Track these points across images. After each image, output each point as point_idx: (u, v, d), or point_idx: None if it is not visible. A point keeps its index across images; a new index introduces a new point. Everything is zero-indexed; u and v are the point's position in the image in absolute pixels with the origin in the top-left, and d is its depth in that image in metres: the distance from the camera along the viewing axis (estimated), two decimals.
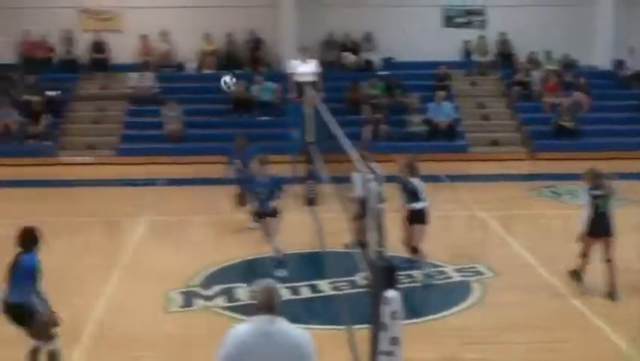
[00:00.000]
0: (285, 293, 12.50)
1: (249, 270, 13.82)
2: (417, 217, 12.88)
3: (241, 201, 15.77)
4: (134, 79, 26.25)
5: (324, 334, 11.11)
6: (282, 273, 13.09)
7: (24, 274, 8.69)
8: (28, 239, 8.91)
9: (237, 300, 12.22)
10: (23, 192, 20.39)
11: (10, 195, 19.82)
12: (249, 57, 27.66)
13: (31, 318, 8.72)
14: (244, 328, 6.00)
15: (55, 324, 8.96)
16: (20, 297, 8.64)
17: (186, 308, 11.93)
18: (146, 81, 26.27)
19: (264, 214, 13.30)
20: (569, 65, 27.84)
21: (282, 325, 5.99)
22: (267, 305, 5.98)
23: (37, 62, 26.94)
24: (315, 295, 12.54)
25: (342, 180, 15.84)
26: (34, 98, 24.77)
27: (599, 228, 12.17)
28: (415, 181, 12.88)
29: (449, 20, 28.73)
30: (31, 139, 24.37)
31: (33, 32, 27.12)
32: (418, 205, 12.83)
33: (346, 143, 11.99)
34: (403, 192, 12.81)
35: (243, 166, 15.97)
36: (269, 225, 13.27)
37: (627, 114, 26.49)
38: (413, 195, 12.80)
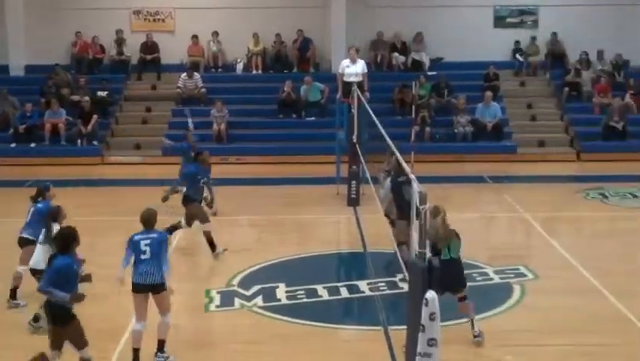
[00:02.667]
0: (323, 293, 12.61)
1: (288, 270, 13.87)
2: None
3: None
4: (182, 79, 26.47)
5: (361, 334, 11.21)
6: None
7: (59, 275, 8.83)
8: (64, 241, 9.05)
9: (276, 300, 12.30)
10: (70, 192, 20.67)
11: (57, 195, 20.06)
12: (298, 58, 27.77)
13: (69, 320, 8.89)
14: None
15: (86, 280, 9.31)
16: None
17: (226, 308, 12.03)
18: (194, 82, 26.48)
19: None
20: (620, 65, 27.48)
21: None
22: None
23: (88, 62, 27.33)
24: (354, 296, 12.57)
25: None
26: (84, 99, 25.10)
27: None
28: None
29: (500, 20, 28.52)
30: (79, 139, 24.67)
31: (84, 33, 27.48)
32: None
33: (391, 144, 11.99)
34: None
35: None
36: None
37: None
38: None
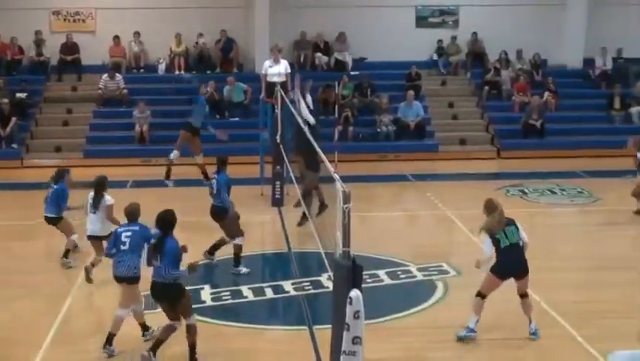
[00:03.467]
0: (248, 294, 12.59)
1: (213, 271, 13.82)
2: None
3: None
4: (104, 80, 26.14)
5: (287, 334, 11.22)
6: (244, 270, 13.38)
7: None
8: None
9: (201, 302, 12.25)
10: None
11: None
12: (220, 58, 27.65)
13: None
14: (627, 356, 5.88)
15: None
16: None
17: (148, 311, 11.90)
18: (116, 83, 26.17)
19: None
20: (539, 64, 28.02)
21: None
22: None
23: (7, 63, 26.78)
24: (279, 296, 12.59)
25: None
26: (3, 101, 24.57)
27: None
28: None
29: (422, 20, 28.82)
30: None
31: (2, 34, 26.95)
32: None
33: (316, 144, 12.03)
34: None
35: None
36: None
37: (595, 113, 26.70)
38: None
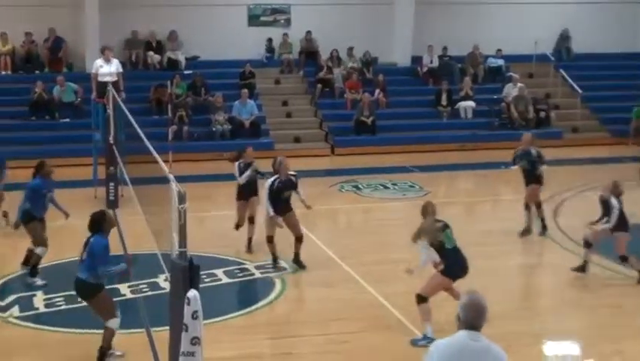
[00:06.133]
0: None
1: (46, 277, 13.43)
2: None
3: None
4: None
5: (124, 338, 11.05)
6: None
7: None
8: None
9: (34, 309, 11.92)
10: None
11: None
12: (49, 57, 26.90)
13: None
14: (447, 342, 5.83)
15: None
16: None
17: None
18: None
19: None
20: (369, 62, 28.65)
21: (486, 342, 5.84)
22: (476, 321, 5.82)
23: None
24: (116, 300, 12.35)
25: (145, 181, 15.71)
26: None
27: None
28: None
29: (254, 19, 28.94)
30: None
31: None
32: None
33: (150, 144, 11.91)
34: None
35: None
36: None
37: (424, 109, 27.57)
38: None
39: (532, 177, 15.73)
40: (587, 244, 13.29)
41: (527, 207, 15.78)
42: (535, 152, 15.73)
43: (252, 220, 14.82)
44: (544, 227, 15.93)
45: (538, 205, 15.88)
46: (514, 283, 13.56)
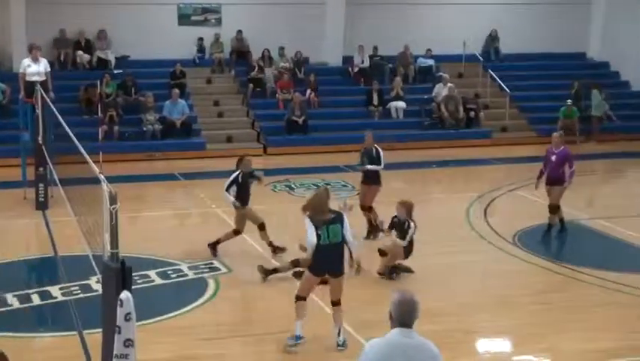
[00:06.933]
0: (13, 302, 12.15)
1: None
2: None
3: None
4: None
5: (56, 341, 10.94)
6: None
7: None
8: None
9: None
10: None
11: None
12: None
13: None
14: (382, 341, 5.82)
15: None
16: None
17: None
18: None
19: None
20: (301, 62, 28.71)
21: (420, 339, 5.87)
22: (408, 319, 5.85)
23: None
24: (46, 302, 12.24)
25: (76, 182, 15.53)
26: None
27: None
28: None
29: (185, 18, 28.78)
30: None
31: None
32: None
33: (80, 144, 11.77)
34: None
35: None
36: None
37: (355, 109, 27.71)
38: None
39: (375, 178, 15.54)
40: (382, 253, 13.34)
41: (370, 208, 15.39)
42: (375, 151, 15.61)
43: (262, 227, 14.59)
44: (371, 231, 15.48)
45: (370, 208, 15.46)
46: (444, 282, 13.68)
